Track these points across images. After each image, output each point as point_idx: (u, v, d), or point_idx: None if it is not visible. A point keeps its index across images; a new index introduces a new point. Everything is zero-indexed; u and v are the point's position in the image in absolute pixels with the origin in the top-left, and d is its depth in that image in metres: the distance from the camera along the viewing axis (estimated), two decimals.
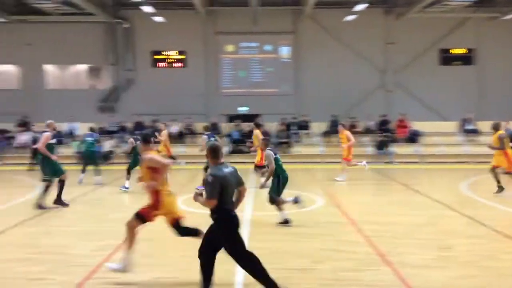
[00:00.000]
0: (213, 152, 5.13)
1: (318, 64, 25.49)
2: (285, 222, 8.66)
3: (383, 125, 22.35)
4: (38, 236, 7.97)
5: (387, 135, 21.45)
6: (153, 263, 6.41)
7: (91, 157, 14.36)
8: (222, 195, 4.94)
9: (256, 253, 6.75)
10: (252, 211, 9.89)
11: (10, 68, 27.12)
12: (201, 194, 5.16)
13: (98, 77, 27.59)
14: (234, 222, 5.09)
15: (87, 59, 26.66)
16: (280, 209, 8.72)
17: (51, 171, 10.33)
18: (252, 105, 25.67)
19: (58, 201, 10.52)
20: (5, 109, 24.47)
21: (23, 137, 20.05)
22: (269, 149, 8.96)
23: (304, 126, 22.04)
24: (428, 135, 22.31)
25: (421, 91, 25.17)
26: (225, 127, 22.74)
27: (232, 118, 24.82)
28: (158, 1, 23.60)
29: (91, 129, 15.38)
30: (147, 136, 6.29)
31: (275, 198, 8.69)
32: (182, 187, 13.22)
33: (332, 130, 21.89)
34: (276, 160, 8.80)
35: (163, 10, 23.96)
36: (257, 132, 14.48)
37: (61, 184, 10.50)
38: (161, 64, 26.34)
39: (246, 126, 22.12)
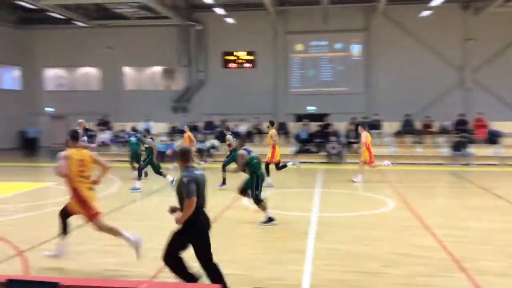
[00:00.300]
0: (184, 156, 5.19)
1: (390, 61, 24.79)
2: (270, 220, 8.69)
3: (460, 125, 21.23)
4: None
5: (464, 135, 20.36)
6: (222, 259, 6.53)
7: (135, 155, 15.00)
8: (197, 195, 4.97)
9: (324, 254, 6.71)
10: (319, 212, 9.80)
11: (92, 71, 28.91)
12: (173, 210, 5.20)
13: (172, 79, 28.65)
14: (205, 223, 5.14)
15: (162, 61, 27.78)
16: (263, 209, 8.81)
17: None
18: (320, 105, 25.46)
19: None
20: (87, 109, 26.15)
21: (103, 135, 21.27)
22: (243, 149, 9.18)
23: (375, 125, 21.47)
24: (509, 136, 20.90)
25: (501, 89, 23.70)
26: (293, 126, 22.70)
27: (300, 117, 24.74)
28: (229, 3, 24.09)
29: (134, 129, 16.11)
30: (74, 133, 6.74)
31: (259, 200, 8.83)
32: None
33: (405, 130, 21.16)
34: (251, 159, 9.00)
35: (234, 12, 24.43)
36: (272, 131, 14.18)
37: None
38: (231, 65, 26.84)
39: (314, 125, 21.94)
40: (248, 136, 21.30)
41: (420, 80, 24.27)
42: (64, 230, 6.46)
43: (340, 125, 21.63)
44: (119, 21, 26.11)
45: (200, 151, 20.35)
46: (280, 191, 13.03)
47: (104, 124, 22.15)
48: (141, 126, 21.64)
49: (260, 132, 21.45)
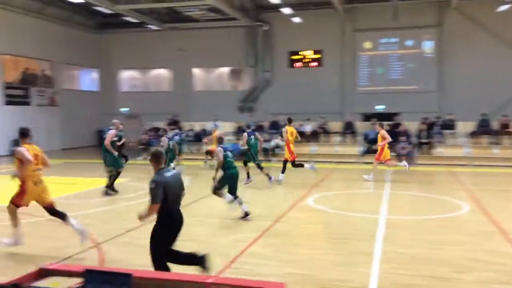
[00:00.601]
0: (156, 158, 5.18)
1: (465, 58, 23.61)
2: (246, 215, 8.97)
3: None
4: (185, 224, 8.60)
5: None
6: (286, 258, 6.55)
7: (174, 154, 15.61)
8: (167, 199, 5.00)
9: (393, 257, 6.52)
10: (387, 214, 9.53)
11: (163, 72, 30.02)
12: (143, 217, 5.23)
13: (239, 79, 29.08)
14: (175, 223, 5.19)
15: (229, 62, 28.27)
16: (219, 195, 9.25)
17: (111, 163, 11.92)
18: (389, 103, 24.75)
19: (110, 187, 11.95)
20: (159, 109, 27.20)
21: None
22: (220, 146, 9.41)
23: (449, 125, 20.48)
24: None
25: None
26: (360, 126, 22.19)
27: (367, 116, 24.17)
28: (296, 2, 24.06)
29: (178, 129, 16.63)
30: (24, 130, 7.07)
31: (217, 189, 9.21)
32: (313, 187, 13.28)
33: (481, 130, 20.02)
34: (225, 157, 9.21)
35: (301, 11, 24.35)
36: (290, 128, 14.25)
37: (117, 174, 12.02)
38: (297, 64, 26.77)
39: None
40: (313, 136, 21.13)
41: (497, 77, 22.92)
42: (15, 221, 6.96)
43: (411, 125, 20.86)
44: (189, 24, 26.90)
45: (264, 151, 20.46)
46: (347, 192, 12.83)
47: (174, 124, 22.88)
48: (209, 126, 22.16)
49: (326, 132, 21.18)
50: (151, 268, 5.22)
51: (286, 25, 25.77)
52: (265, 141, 20.68)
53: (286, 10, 22.68)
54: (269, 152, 20.47)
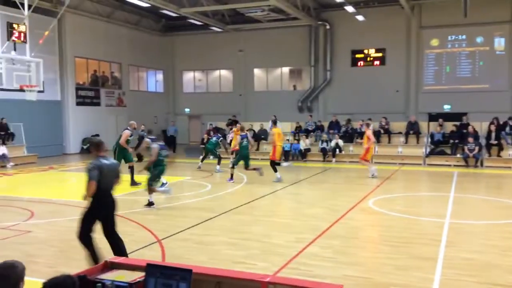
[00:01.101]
0: (96, 146, 5.97)
1: None
2: (151, 204, 10.06)
3: None
4: (243, 223, 8.79)
5: None
6: (345, 260, 6.46)
7: (212, 153, 16.85)
8: (100, 181, 5.66)
9: (457, 263, 6.25)
10: (453, 218, 9.13)
11: (225, 73, 30.54)
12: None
13: (299, 78, 28.99)
14: (100, 204, 5.81)
15: (290, 62, 28.26)
16: (150, 191, 10.14)
17: (123, 158, 12.97)
18: (457, 103, 23.72)
19: (133, 182, 13.04)
20: (221, 110, 27.72)
21: (232, 135, 22.24)
22: (156, 144, 10.28)
23: None
24: None
25: None
26: (425, 126, 21.36)
27: (432, 116, 23.25)
28: (360, 0, 23.68)
29: (217, 129, 17.57)
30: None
31: (151, 185, 10.14)
32: (374, 189, 12.99)
33: None
34: (160, 154, 10.14)
35: (364, 8, 23.91)
36: (277, 130, 15.03)
37: (131, 169, 13.19)
38: (359, 63, 26.30)
39: (449, 125, 20.38)
40: (375, 136, 20.60)
41: None
42: None
43: (480, 125, 19.85)
44: (251, 25, 27.17)
45: (323, 151, 20.26)
46: (410, 194, 12.45)
47: (234, 124, 23.19)
48: (269, 125, 22.25)
49: (388, 132, 20.60)
50: (209, 265, 5.33)
51: (348, 24, 25.37)
52: (325, 141, 20.49)
53: (350, 9, 22.35)
54: (328, 153, 20.21)
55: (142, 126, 19.84)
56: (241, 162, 14.22)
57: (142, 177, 11.77)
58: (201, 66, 30.66)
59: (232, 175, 14.19)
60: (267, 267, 6.09)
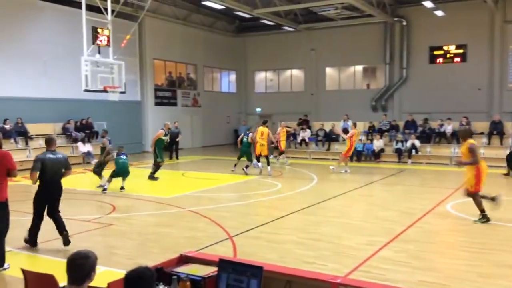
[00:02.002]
0: (46, 142, 7.11)
1: None
2: (104, 190, 11.91)
3: None
4: (314, 223, 8.75)
5: None
6: (420, 266, 6.23)
7: (246, 152, 16.49)
8: (44, 172, 6.80)
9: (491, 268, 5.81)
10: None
11: (296, 73, 30.51)
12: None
13: (373, 77, 28.29)
14: (45, 190, 6.93)
15: (363, 60, 27.66)
16: (108, 181, 12.14)
17: (159, 156, 14.06)
18: None
19: (152, 177, 14.00)
20: (291, 109, 27.72)
21: (304, 134, 22.20)
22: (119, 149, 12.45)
23: None
24: None
25: None
26: (510, 126, 19.98)
27: None
28: None
29: (249, 130, 18.01)
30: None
31: (110, 180, 12.20)
32: (453, 192, 12.39)
33: None
34: (118, 158, 12.12)
35: (444, 3, 22.88)
36: (262, 129, 15.87)
37: (157, 167, 14.13)
38: (438, 60, 25.21)
39: None
40: (454, 137, 19.62)
41: None
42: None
43: None
44: (324, 23, 26.92)
45: (398, 151, 19.61)
46: None
47: (305, 123, 23.11)
48: (340, 125, 21.93)
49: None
50: (281, 264, 5.37)
51: (426, 19, 24.38)
52: (400, 141, 19.82)
53: (428, 4, 21.46)
54: (404, 154, 19.52)
55: (176, 123, 20.83)
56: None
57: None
58: (273, 66, 30.84)
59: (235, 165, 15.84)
60: (337, 268, 6.02)
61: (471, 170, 8.49)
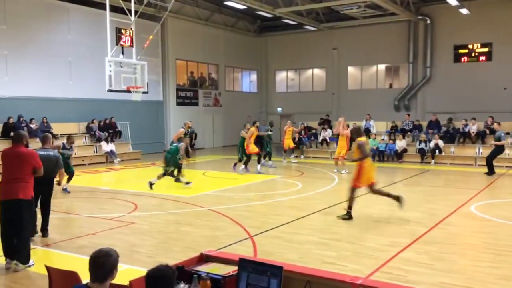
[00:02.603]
0: (42, 139, 7.74)
1: None
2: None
3: None
4: (334, 224, 8.70)
5: None
6: (442, 268, 6.14)
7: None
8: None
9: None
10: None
11: (317, 72, 30.37)
12: None
13: (395, 76, 27.96)
14: (42, 186, 7.13)
15: (386, 59, 27.37)
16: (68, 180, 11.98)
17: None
18: None
19: (177, 179, 13.43)
20: (312, 109, 27.62)
21: (325, 134, 22.10)
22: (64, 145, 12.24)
23: None
24: None
25: None
26: None
27: None
28: None
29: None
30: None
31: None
32: (477, 193, 12.19)
33: None
34: (63, 154, 11.29)
35: (469, 1, 22.45)
36: (252, 129, 15.90)
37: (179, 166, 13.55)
38: (463, 59, 24.78)
39: None
40: (479, 137, 19.25)
41: None
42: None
43: None
44: (346, 22, 26.73)
45: (421, 152, 19.34)
46: None
47: (326, 123, 23.00)
48: (362, 125, 21.76)
49: (494, 133, 19.07)
50: (301, 264, 5.36)
51: (451, 17, 23.99)
52: (423, 141, 19.54)
53: (453, 2, 21.09)
54: (427, 154, 19.24)
55: (190, 122, 20.90)
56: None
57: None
58: (294, 66, 30.77)
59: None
60: (358, 269, 5.98)
61: (356, 166, 8.96)
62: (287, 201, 11.15)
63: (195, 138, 20.95)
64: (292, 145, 19.04)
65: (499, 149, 15.73)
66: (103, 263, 2.89)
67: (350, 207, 8.93)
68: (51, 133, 18.48)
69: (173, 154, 12.61)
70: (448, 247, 7.15)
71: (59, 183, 7.11)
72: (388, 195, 9.16)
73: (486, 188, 12.81)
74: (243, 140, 15.92)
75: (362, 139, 9.18)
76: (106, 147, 19.84)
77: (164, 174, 12.65)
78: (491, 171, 15.29)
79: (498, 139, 15.75)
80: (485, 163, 16.02)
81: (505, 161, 17.88)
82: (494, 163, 17.75)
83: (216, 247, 6.29)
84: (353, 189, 8.91)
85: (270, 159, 17.60)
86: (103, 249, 2.97)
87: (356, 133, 9.56)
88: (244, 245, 7.17)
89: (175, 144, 12.97)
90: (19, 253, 6.03)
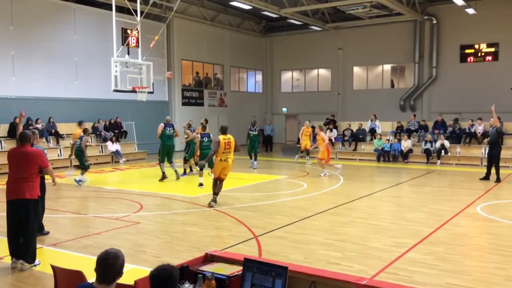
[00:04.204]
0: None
1: None
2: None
3: None
4: (339, 224, 8.69)
5: None
6: (447, 268, 6.11)
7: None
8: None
9: None
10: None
11: (323, 72, 30.32)
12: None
13: (401, 76, 27.88)
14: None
15: (392, 59, 27.30)
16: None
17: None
18: None
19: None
20: (317, 109, 27.60)
21: (330, 134, 22.05)
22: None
23: None
24: None
25: None
26: None
27: None
28: None
29: (253, 125, 18.37)
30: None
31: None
32: (483, 193, 12.13)
33: None
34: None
35: (475, 1, 22.36)
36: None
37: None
38: (469, 59, 24.67)
39: None
40: (485, 137, 19.13)
41: None
42: None
43: None
44: (352, 22, 26.68)
45: (427, 152, 19.26)
46: None
47: (331, 123, 22.97)
48: (368, 125, 21.72)
49: (500, 133, 18.96)
50: (306, 264, 5.35)
51: (457, 17, 23.90)
52: (429, 142, 19.47)
53: (459, 1, 21.00)
54: (433, 154, 19.17)
55: (190, 121, 20.73)
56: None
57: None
58: (299, 66, 30.74)
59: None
60: (363, 270, 5.97)
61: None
62: (292, 201, 11.14)
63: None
64: (309, 146, 18.64)
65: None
66: (113, 265, 2.88)
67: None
68: (57, 132, 18.73)
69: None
70: (454, 248, 7.11)
71: (54, 183, 6.94)
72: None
73: (492, 189, 12.74)
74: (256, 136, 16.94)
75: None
76: (112, 147, 19.90)
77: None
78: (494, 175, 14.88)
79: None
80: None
81: (511, 161, 17.81)
82: (501, 163, 17.65)
83: (221, 247, 6.30)
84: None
85: (255, 159, 17.67)
86: (111, 251, 2.95)
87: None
88: (249, 245, 7.17)
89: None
90: (25, 253, 6.06)
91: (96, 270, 2.88)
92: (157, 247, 7.17)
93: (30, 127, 16.64)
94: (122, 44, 14.22)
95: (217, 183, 10.20)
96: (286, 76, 31.99)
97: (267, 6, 22.77)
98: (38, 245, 6.44)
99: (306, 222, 8.84)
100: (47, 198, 8.13)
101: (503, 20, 23.16)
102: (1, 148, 16.98)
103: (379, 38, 26.76)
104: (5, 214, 6.23)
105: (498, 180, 13.62)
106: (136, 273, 4.24)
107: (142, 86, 14.29)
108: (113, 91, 13.80)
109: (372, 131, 21.38)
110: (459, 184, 14.17)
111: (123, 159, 19.85)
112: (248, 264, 3.44)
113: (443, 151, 18.96)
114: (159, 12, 22.31)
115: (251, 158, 17.73)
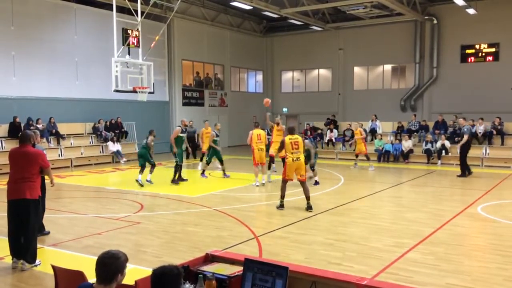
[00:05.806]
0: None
1: None
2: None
3: None
4: (340, 224, 8.69)
5: None
6: (448, 269, 6.11)
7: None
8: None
9: None
10: None
11: (323, 72, 30.31)
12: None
13: (401, 76, 27.87)
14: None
15: (392, 59, 27.29)
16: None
17: (179, 156, 13.55)
18: None
19: (179, 179, 13.57)
20: (318, 109, 27.59)
21: (331, 134, 22.05)
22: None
23: None
24: None
25: None
26: None
27: None
28: None
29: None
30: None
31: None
32: (483, 194, 12.12)
33: None
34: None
35: (475, 1, 22.34)
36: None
37: (179, 167, 13.51)
38: (470, 59, 24.66)
39: None
40: (486, 137, 19.16)
41: None
42: None
43: None
44: (352, 22, 26.68)
45: (428, 152, 19.26)
46: None
47: (332, 123, 22.96)
48: (368, 125, 21.70)
49: (501, 133, 19.01)
50: (307, 264, 5.35)
51: (458, 17, 23.89)
52: (429, 142, 19.46)
53: (460, 1, 20.99)
54: (433, 154, 19.15)
55: (191, 122, 20.70)
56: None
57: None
58: (300, 66, 30.73)
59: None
60: (364, 270, 5.97)
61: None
62: (293, 201, 11.14)
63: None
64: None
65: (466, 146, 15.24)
66: (110, 265, 2.87)
67: (283, 196, 9.89)
68: (57, 132, 18.73)
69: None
70: (454, 248, 7.11)
71: (52, 184, 6.90)
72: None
73: (493, 189, 12.74)
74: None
75: (287, 137, 10.01)
76: (112, 147, 19.91)
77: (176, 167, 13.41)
78: (468, 171, 15.11)
79: (462, 136, 15.25)
80: (489, 164, 15.87)
81: None
82: (501, 164, 17.66)
83: (222, 247, 6.30)
84: (283, 181, 9.93)
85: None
86: (110, 251, 2.94)
87: (291, 130, 10.19)
88: (249, 245, 7.17)
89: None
90: (25, 253, 6.06)
91: (95, 270, 2.89)
92: (158, 247, 7.18)
93: (31, 127, 16.64)
94: (123, 44, 14.23)
95: (286, 186, 10.00)
96: (287, 76, 31.98)
97: (268, 6, 22.77)
98: (38, 245, 6.45)
99: (307, 222, 8.85)
100: (47, 198, 8.13)
101: (504, 20, 23.15)
102: (2, 148, 16.99)
103: (379, 38, 26.76)
104: (6, 214, 6.24)
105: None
106: (137, 273, 4.24)
107: (143, 86, 14.30)
108: (113, 91, 13.80)
109: (373, 131, 21.38)
110: (460, 184, 14.15)
111: (124, 159, 19.85)
112: (249, 264, 3.44)
113: (443, 151, 18.95)
114: (160, 12, 22.32)
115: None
